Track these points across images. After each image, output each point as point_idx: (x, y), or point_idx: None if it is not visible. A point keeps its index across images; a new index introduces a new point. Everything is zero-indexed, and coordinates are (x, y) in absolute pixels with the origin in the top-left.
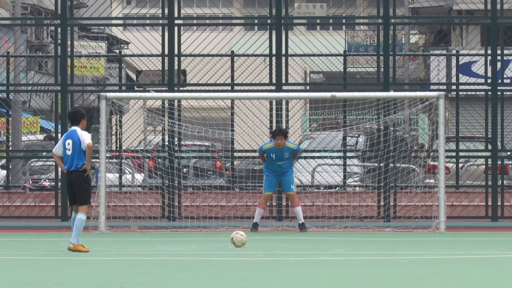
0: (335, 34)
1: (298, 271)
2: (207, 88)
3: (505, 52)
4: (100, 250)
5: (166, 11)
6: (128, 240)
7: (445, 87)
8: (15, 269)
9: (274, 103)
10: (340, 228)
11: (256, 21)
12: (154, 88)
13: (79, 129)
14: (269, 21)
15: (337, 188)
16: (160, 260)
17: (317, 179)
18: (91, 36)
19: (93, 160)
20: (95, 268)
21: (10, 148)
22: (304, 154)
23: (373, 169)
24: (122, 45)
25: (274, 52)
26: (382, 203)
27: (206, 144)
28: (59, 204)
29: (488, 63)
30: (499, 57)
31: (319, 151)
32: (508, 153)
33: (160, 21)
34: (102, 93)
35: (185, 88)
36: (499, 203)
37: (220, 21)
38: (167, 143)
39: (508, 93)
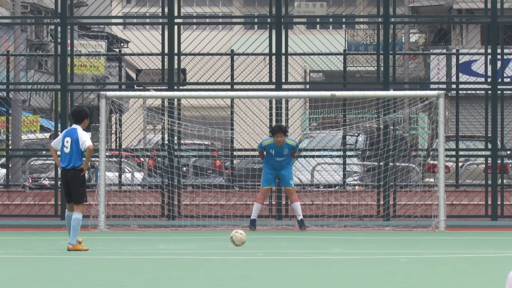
0: (335, 33)
1: (298, 270)
2: (207, 87)
3: (505, 51)
4: (100, 249)
5: (166, 10)
6: (127, 239)
7: (445, 86)
8: (14, 268)
9: (273, 102)
10: (340, 227)
11: (256, 20)
12: (154, 87)
13: (80, 128)
14: (269, 20)
15: (337, 187)
16: (159, 259)
17: (316, 178)
18: (91, 35)
19: (93, 158)
20: (94, 266)
21: (10, 147)
22: (303, 153)
23: (373, 168)
24: (122, 44)
25: (274, 51)
26: (381, 202)
27: (206, 143)
28: (59, 202)
29: (488, 62)
30: (499, 56)
31: (318, 150)
32: (508, 152)
33: (160, 20)
34: (102, 92)
35: (185, 87)
36: (499, 202)
37: (220, 20)
38: (166, 142)
39: (508, 92)
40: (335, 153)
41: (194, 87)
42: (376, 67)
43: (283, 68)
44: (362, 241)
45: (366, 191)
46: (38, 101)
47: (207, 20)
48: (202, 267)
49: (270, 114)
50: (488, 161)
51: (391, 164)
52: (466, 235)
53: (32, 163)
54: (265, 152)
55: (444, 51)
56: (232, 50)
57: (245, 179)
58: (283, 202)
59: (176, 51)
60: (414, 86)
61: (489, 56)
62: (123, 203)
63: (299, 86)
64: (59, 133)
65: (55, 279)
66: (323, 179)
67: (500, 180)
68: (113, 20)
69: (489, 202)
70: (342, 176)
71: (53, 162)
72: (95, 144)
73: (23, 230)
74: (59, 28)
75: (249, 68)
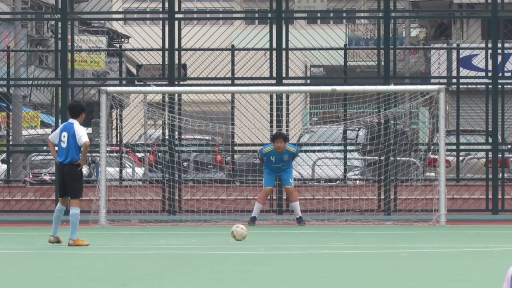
0: (336, 28)
1: (299, 265)
2: (207, 82)
3: (506, 45)
4: (101, 244)
5: (166, 5)
6: (128, 234)
7: (445, 80)
8: (15, 263)
9: (274, 97)
10: (341, 222)
11: (256, 15)
12: (155, 82)
13: (77, 122)
14: (269, 15)
15: (338, 181)
16: (160, 254)
17: (317, 173)
18: (91, 30)
19: (94, 154)
20: (95, 261)
21: (11, 143)
22: (304, 148)
23: (374, 162)
24: (122, 39)
25: (274, 46)
26: (382, 197)
27: (207, 138)
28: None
29: (489, 56)
30: (499, 51)
31: (319, 144)
32: (509, 146)
33: (161, 15)
34: (102, 87)
35: (185, 82)
36: (499, 196)
37: (221, 15)
38: (167, 137)
39: (509, 86)
40: (336, 147)
41: (194, 82)
42: (376, 62)
43: (284, 63)
44: (363, 236)
45: (367, 186)
46: (38, 96)
47: (208, 15)
48: (203, 262)
49: (271, 109)
50: (489, 155)
51: (391, 158)
52: (467, 229)
53: (32, 158)
54: (265, 158)
55: (445, 45)
56: (232, 45)
57: (245, 174)
58: (284, 197)
59: (176, 46)
60: (415, 80)
61: (490, 51)
62: (124, 198)
63: (299, 81)
64: None
65: (56, 274)
66: (324, 173)
67: (500, 174)
68: (114, 16)
69: (490, 196)
70: (343, 171)
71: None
72: (95, 139)
73: (24, 225)
74: (59, 24)
75: (249, 63)
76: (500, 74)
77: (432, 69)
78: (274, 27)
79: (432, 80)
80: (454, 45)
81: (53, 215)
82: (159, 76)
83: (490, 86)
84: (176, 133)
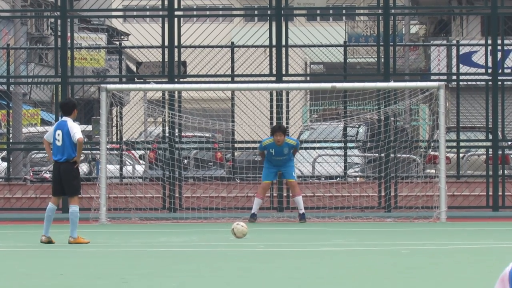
0: (335, 25)
1: (299, 262)
2: (207, 79)
3: (506, 42)
4: (101, 242)
5: (166, 2)
6: (129, 232)
7: (445, 77)
8: (16, 261)
9: (274, 94)
10: (341, 219)
11: (256, 12)
12: (154, 80)
13: (70, 120)
14: (269, 12)
15: (338, 178)
16: (160, 251)
17: (317, 170)
18: (91, 28)
19: (94, 151)
20: (95, 259)
21: (11, 140)
22: (304, 145)
23: (374, 159)
24: (122, 37)
25: (274, 43)
26: (383, 194)
27: (207, 135)
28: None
29: (489, 53)
30: (499, 47)
31: (319, 141)
32: (509, 143)
33: (160, 13)
34: (102, 85)
35: (185, 80)
36: (500, 193)
37: (220, 12)
38: (167, 134)
39: (509, 83)
40: (336, 144)
41: (194, 79)
42: (376, 59)
43: (284, 60)
44: (364, 233)
45: (367, 183)
46: (38, 94)
47: (207, 13)
48: (203, 260)
49: (271, 106)
50: (489, 152)
51: (392, 155)
52: (468, 226)
53: (33, 156)
54: (265, 152)
55: (445, 42)
56: (232, 42)
57: (246, 171)
58: (284, 194)
59: (176, 43)
60: (415, 77)
61: (490, 47)
62: (124, 196)
63: (299, 78)
64: None
65: (56, 272)
66: (324, 170)
67: (501, 170)
68: (113, 13)
69: (490, 193)
70: (343, 168)
71: None
72: (96, 137)
73: (24, 223)
74: (59, 21)
75: (249, 60)
76: (500, 71)
77: (432, 66)
78: (273, 24)
79: (432, 77)
80: (454, 42)
81: (44, 214)
82: (159, 73)
83: (490, 83)
84: (176, 130)
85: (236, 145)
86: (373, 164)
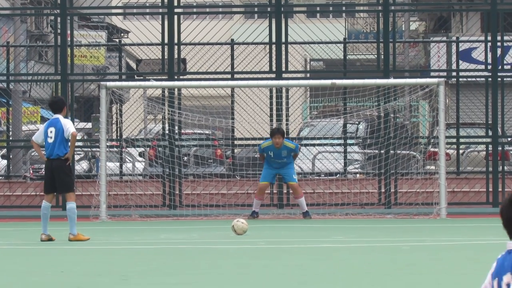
0: (335, 22)
1: (299, 259)
2: (207, 76)
3: (505, 38)
4: (101, 239)
5: None
6: (129, 229)
7: (445, 73)
8: (16, 258)
9: (274, 91)
10: (341, 215)
11: (256, 9)
12: (154, 77)
13: (62, 117)
14: (269, 9)
15: (338, 175)
16: (161, 249)
17: (317, 167)
18: (91, 25)
19: (94, 149)
20: (96, 256)
21: (11, 138)
22: (304, 142)
23: (374, 156)
24: (122, 34)
25: (274, 40)
26: (383, 190)
27: (207, 132)
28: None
29: (488, 49)
30: (499, 43)
31: (319, 138)
32: (509, 139)
33: (160, 10)
34: (102, 82)
35: (185, 77)
36: (500, 189)
37: (220, 9)
38: (167, 131)
39: (508, 79)
40: (336, 141)
41: (194, 76)
42: (376, 55)
43: (283, 57)
44: (364, 229)
45: (367, 179)
46: (38, 92)
47: (207, 10)
48: (203, 256)
49: (271, 103)
50: (489, 148)
51: (392, 152)
52: (468, 222)
53: (33, 154)
54: (265, 154)
55: (444, 38)
56: (232, 40)
57: (246, 168)
58: (284, 191)
59: (176, 41)
60: (415, 74)
61: (489, 44)
62: (124, 193)
63: (299, 75)
64: None
65: (57, 269)
66: (324, 167)
67: (501, 167)
68: (113, 10)
69: (490, 189)
70: (343, 164)
71: None
72: (95, 134)
73: (25, 220)
74: (59, 19)
75: (249, 57)
76: (500, 67)
77: (431, 62)
78: (273, 21)
79: (432, 73)
80: (454, 38)
81: (40, 213)
82: (158, 70)
83: (490, 79)
84: (176, 127)
85: (236, 142)
86: (373, 160)
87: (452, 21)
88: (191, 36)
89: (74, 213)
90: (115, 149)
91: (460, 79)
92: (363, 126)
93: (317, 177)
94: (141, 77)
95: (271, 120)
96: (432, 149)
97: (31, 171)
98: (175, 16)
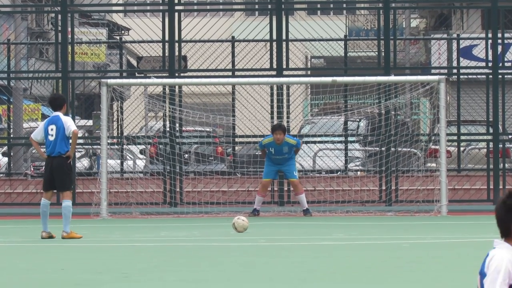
0: (336, 19)
1: (300, 256)
2: (207, 73)
3: (506, 35)
4: (102, 236)
5: None
6: (129, 226)
7: (446, 71)
8: (17, 256)
9: (275, 88)
10: (342, 213)
11: (256, 6)
12: (155, 74)
13: (62, 114)
14: (269, 6)
15: (339, 172)
16: (161, 246)
17: (318, 164)
18: (91, 22)
19: (95, 146)
20: (96, 254)
21: (12, 135)
22: (305, 139)
23: (375, 153)
24: (122, 32)
25: (274, 37)
26: (383, 187)
27: (207, 129)
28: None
29: (489, 46)
30: (500, 41)
31: (320, 135)
32: (510, 136)
33: (161, 7)
34: (103, 80)
35: (185, 74)
36: (500, 187)
37: (221, 7)
38: (168, 129)
39: (509, 76)
40: (336, 138)
41: (195, 74)
42: (377, 53)
43: (284, 54)
44: (364, 227)
45: (368, 177)
46: (39, 89)
47: (208, 7)
48: (204, 254)
49: (272, 101)
50: (490, 146)
51: (392, 149)
52: (468, 219)
53: (33, 151)
54: (266, 150)
55: (445, 36)
56: (233, 37)
57: (247, 165)
58: (285, 189)
59: (176, 38)
60: (415, 71)
61: (490, 41)
62: (125, 191)
63: (300, 72)
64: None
65: (57, 267)
66: (325, 165)
67: (501, 164)
68: (114, 8)
69: (491, 187)
70: (344, 162)
71: None
72: (96, 131)
73: (25, 218)
74: (59, 16)
75: (250, 55)
76: (501, 64)
77: (432, 60)
78: (274, 18)
79: (433, 71)
80: (455, 36)
81: (40, 211)
82: (159, 68)
83: (491, 76)
84: (177, 125)
85: (236, 139)
86: (374, 158)
87: (453, 18)
88: (191, 33)
89: (70, 211)
90: (116, 146)
91: (461, 76)
92: (364, 123)
93: (318, 175)
94: (142, 74)
95: (272, 118)
96: (433, 147)
97: (31, 169)
98: (176, 13)
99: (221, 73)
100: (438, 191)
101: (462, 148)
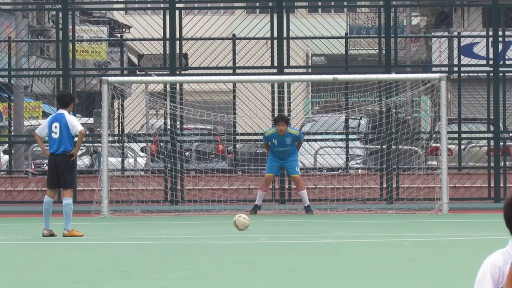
0: (337, 17)
1: (301, 254)
2: (208, 71)
3: (507, 33)
4: (103, 234)
5: None
6: (130, 224)
7: (447, 68)
8: (17, 254)
9: (276, 86)
10: (343, 211)
11: (257, 4)
12: (156, 72)
13: (67, 113)
14: (270, 4)
15: (340, 170)
16: (162, 244)
17: (319, 162)
18: (92, 20)
19: (96, 144)
20: (97, 252)
21: (12, 133)
22: (306, 137)
23: (376, 151)
24: (123, 29)
25: (275, 35)
26: (384, 185)
27: (208, 127)
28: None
29: (490, 44)
30: (500, 39)
31: (321, 133)
32: (510, 134)
33: (162, 5)
34: (104, 78)
35: (186, 72)
36: (501, 184)
37: (222, 4)
38: (169, 126)
39: (510, 74)
40: (337, 136)
41: (196, 71)
42: (378, 51)
43: (285, 52)
44: (365, 225)
45: (369, 175)
46: (40, 87)
47: (209, 5)
48: (205, 252)
49: (272, 98)
50: (491, 144)
51: (393, 147)
52: (469, 217)
53: (34, 149)
54: (269, 143)
55: (446, 33)
56: (233, 35)
57: (248, 163)
58: (286, 186)
59: (177, 36)
60: (416, 69)
61: (491, 39)
62: (126, 189)
63: (301, 70)
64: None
65: (58, 265)
66: (326, 162)
67: (502, 162)
68: (115, 6)
69: (492, 185)
70: (345, 160)
71: None
72: (97, 129)
73: (26, 216)
74: (60, 14)
75: (251, 53)
76: (501, 62)
77: (433, 58)
78: (275, 16)
79: (434, 69)
80: (455, 33)
81: (43, 208)
82: (160, 66)
83: (492, 74)
84: (178, 122)
85: (237, 137)
86: (374, 156)
87: (454, 16)
88: (192, 31)
89: (70, 209)
90: (117, 144)
91: (462, 74)
92: (365, 121)
93: (319, 173)
94: (143, 72)
95: (273, 115)
96: (434, 145)
97: (32, 166)
98: (177, 11)
99: (222, 71)
100: (439, 189)
101: (463, 146)
